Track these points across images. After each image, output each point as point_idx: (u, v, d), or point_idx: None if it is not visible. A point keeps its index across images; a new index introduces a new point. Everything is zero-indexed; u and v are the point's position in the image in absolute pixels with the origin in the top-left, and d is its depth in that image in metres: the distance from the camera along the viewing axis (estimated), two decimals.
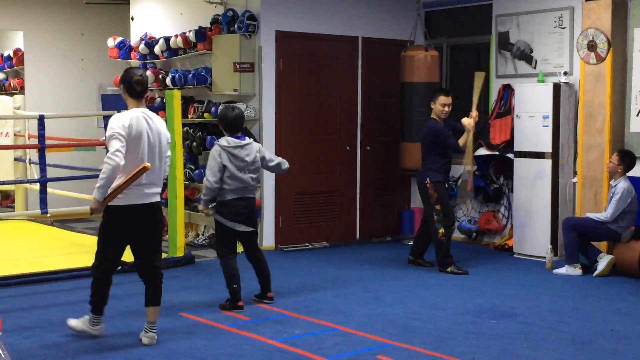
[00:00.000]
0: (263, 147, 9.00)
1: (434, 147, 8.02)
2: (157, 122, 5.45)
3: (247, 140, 6.45)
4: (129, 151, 5.21)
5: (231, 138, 6.39)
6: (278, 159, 6.70)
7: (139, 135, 5.26)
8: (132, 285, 7.30)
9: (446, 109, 8.01)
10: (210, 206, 6.45)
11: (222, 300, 6.50)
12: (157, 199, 5.47)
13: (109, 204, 5.26)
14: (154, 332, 5.51)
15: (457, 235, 9.72)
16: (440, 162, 8.00)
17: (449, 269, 7.88)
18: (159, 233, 5.60)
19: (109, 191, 5.19)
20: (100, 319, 5.59)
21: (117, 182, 5.21)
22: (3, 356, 1.48)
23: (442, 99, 8.01)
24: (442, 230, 7.94)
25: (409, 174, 9.56)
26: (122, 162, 5.15)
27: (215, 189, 6.33)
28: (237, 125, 6.46)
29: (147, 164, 5.18)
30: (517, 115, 8.78)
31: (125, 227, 5.36)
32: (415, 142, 8.94)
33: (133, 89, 5.36)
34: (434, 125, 8.01)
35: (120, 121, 5.25)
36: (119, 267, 7.70)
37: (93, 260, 5.52)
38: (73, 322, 5.66)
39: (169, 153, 5.62)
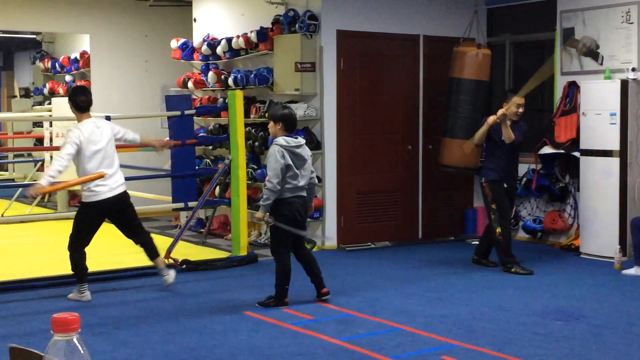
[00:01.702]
0: (325, 146, 9.06)
1: (489, 145, 7.93)
2: (104, 125, 6.65)
3: (302, 139, 6.45)
4: (84, 154, 6.43)
5: (289, 137, 6.33)
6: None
7: (91, 142, 6.47)
8: (196, 284, 7.39)
9: (520, 110, 7.84)
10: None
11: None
12: (123, 189, 6.64)
13: (83, 200, 6.59)
14: (166, 275, 6.94)
15: (521, 235, 9.59)
16: (496, 160, 7.86)
17: (513, 269, 7.77)
18: (131, 214, 6.79)
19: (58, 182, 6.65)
20: (85, 286, 6.62)
21: (69, 178, 6.87)
22: (82, 352, 1.50)
23: (517, 99, 7.79)
24: (498, 230, 7.82)
25: (448, 170, 9.43)
26: (66, 164, 6.34)
27: (278, 191, 6.21)
28: (296, 124, 6.52)
29: (103, 172, 6.46)
30: (583, 113, 8.62)
31: (97, 217, 6.61)
32: (457, 138, 8.91)
33: (79, 105, 6.58)
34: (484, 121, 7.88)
35: (77, 132, 6.46)
36: (184, 266, 7.86)
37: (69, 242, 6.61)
38: (70, 295, 6.70)
39: (120, 135, 6.81)
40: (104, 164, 6.51)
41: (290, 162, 6.23)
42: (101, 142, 6.54)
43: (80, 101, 6.61)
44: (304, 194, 6.41)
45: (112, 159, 6.62)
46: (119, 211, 6.68)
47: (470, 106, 9.07)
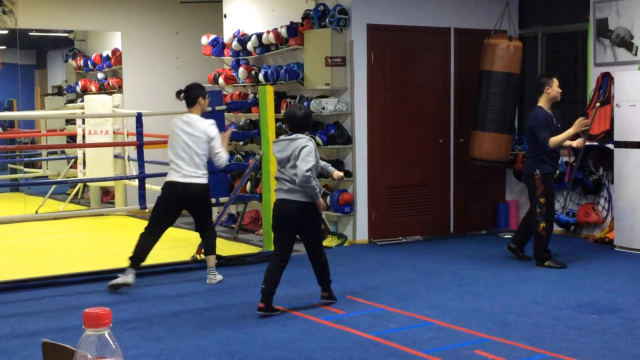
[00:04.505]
0: (356, 140, 9.04)
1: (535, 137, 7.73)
2: (194, 124, 6.92)
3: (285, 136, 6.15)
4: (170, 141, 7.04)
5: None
6: None
7: (172, 132, 6.99)
8: (228, 279, 7.43)
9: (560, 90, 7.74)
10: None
11: (317, 294, 6.43)
12: (193, 181, 6.82)
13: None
14: (213, 274, 7.12)
15: (555, 228, 9.45)
16: (547, 152, 7.62)
17: (546, 263, 7.70)
18: (201, 213, 7.04)
19: None
20: (130, 271, 6.84)
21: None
22: (114, 346, 1.51)
23: (557, 82, 7.68)
24: (543, 225, 7.71)
25: (478, 163, 9.35)
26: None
27: None
28: (294, 121, 6.09)
29: None
30: (617, 104, 8.51)
31: (169, 200, 6.90)
32: (489, 132, 8.84)
33: (182, 100, 7.06)
34: (536, 112, 7.67)
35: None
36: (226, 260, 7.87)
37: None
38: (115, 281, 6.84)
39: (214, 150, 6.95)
40: (178, 154, 6.85)
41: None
42: (180, 136, 6.89)
43: (181, 96, 7.07)
44: None
45: (190, 154, 6.85)
46: (189, 204, 6.97)
47: (501, 99, 9.00)
